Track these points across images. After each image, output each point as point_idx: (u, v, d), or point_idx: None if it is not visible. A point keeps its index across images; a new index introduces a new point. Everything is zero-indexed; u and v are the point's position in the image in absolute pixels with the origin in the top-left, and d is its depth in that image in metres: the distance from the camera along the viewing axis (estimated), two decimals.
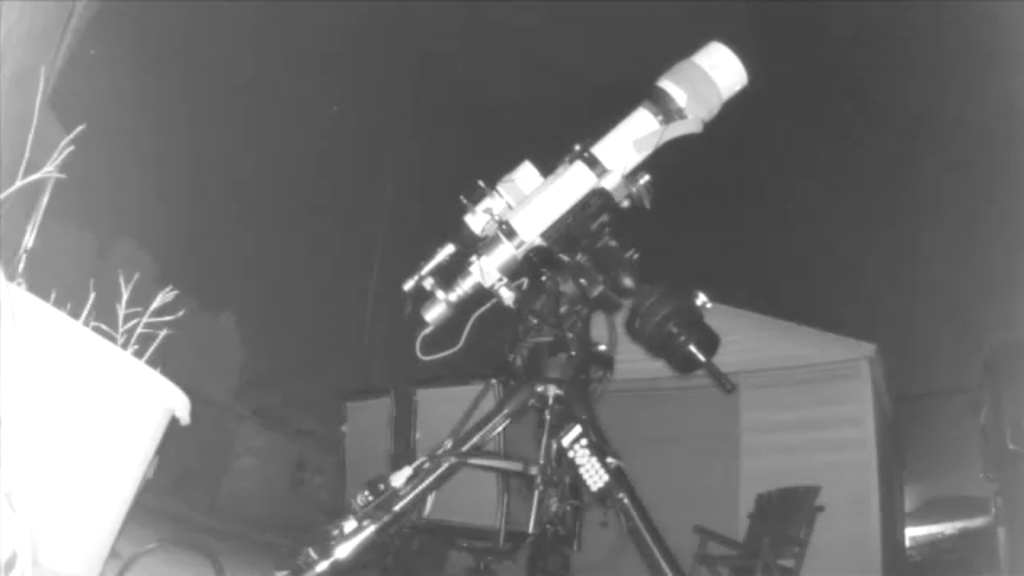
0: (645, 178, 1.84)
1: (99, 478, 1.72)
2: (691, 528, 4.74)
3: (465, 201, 1.91)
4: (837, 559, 4.93)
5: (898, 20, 9.87)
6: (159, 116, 7.06)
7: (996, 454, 4.92)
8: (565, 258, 1.77)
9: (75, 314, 1.79)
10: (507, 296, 1.83)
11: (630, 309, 1.64)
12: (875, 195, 11.19)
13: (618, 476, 1.62)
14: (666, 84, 1.85)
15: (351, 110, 9.91)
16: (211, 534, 5.36)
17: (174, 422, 1.90)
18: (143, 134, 6.73)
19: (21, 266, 1.92)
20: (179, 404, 1.88)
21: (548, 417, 1.70)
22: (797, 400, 5.79)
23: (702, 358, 1.57)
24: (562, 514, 1.69)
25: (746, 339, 5.67)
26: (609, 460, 1.62)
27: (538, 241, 1.84)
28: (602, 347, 1.81)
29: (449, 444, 1.67)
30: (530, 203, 1.86)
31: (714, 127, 1.90)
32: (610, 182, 1.81)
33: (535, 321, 1.78)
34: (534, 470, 1.66)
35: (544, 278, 1.80)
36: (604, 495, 1.61)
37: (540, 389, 1.72)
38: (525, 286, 1.84)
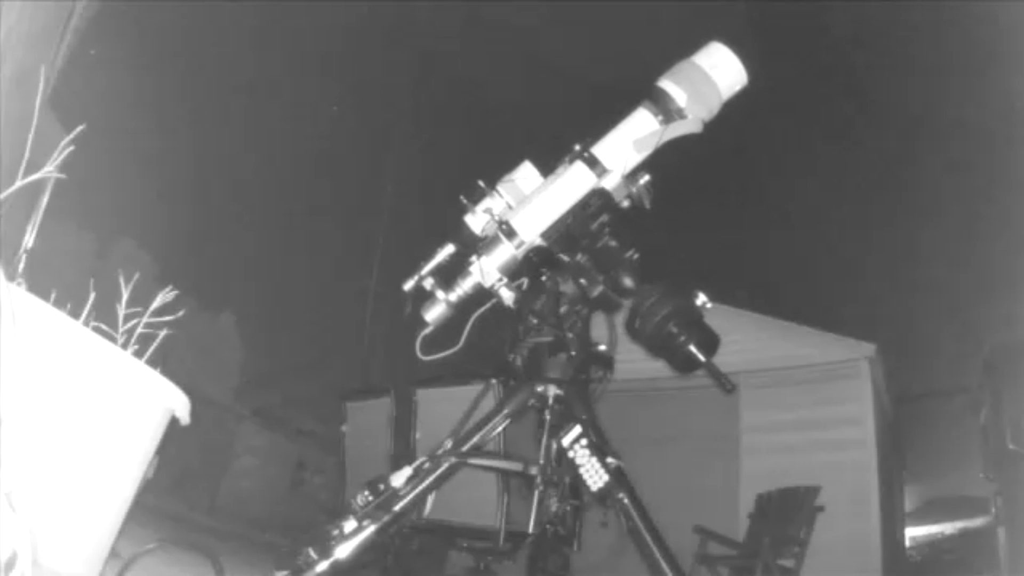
0: (645, 178, 1.84)
1: (99, 478, 1.72)
2: (691, 528, 4.74)
3: (465, 201, 1.91)
4: (837, 559, 4.92)
5: (898, 20, 9.87)
6: (159, 116, 7.06)
7: (996, 454, 4.92)
8: (565, 258, 1.77)
9: (75, 314, 1.79)
10: (507, 296, 1.83)
11: (630, 309, 1.64)
12: (875, 195, 11.19)
13: (618, 476, 1.62)
14: (666, 84, 1.85)
15: (351, 110, 9.91)
16: (211, 534, 5.36)
17: (174, 422, 1.90)
18: (143, 134, 6.73)
19: (21, 266, 1.92)
20: (179, 404, 1.88)
21: (548, 417, 1.70)
22: (797, 400, 5.80)
23: (702, 358, 1.57)
24: (562, 514, 1.69)
25: (746, 339, 5.66)
26: (609, 460, 1.62)
27: (538, 241, 1.84)
28: (602, 347, 1.81)
29: (449, 444, 1.67)
30: (530, 203, 1.86)
31: (714, 127, 1.90)
32: (610, 182, 1.81)
33: (535, 321, 1.78)
34: (534, 470, 1.66)
35: (544, 278, 1.80)
36: (604, 495, 1.61)
37: (540, 389, 1.72)
38: (525, 286, 1.84)
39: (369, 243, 10.38)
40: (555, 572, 1.72)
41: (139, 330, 1.93)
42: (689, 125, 1.84)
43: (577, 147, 1.87)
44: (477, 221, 1.89)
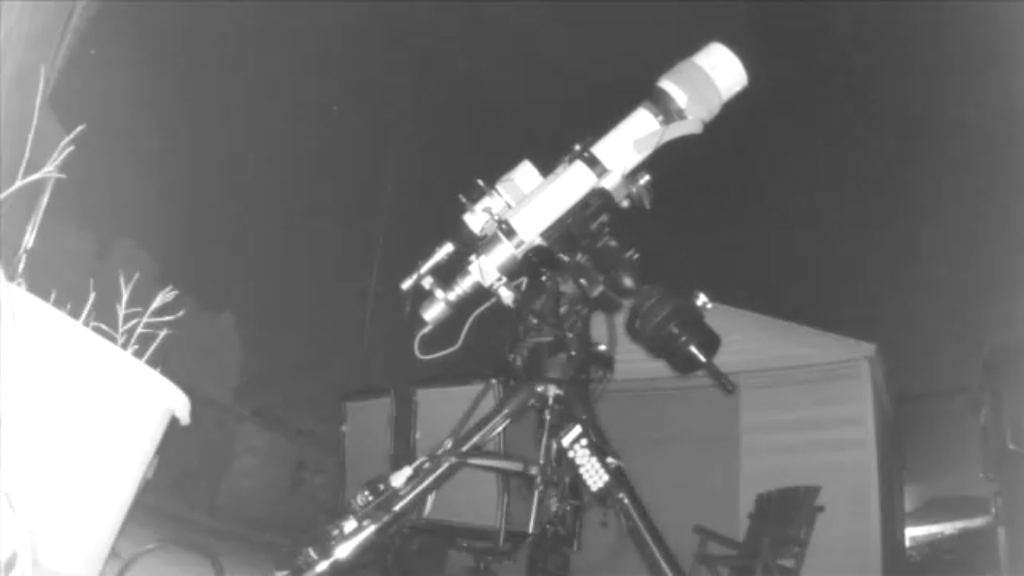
0: (645, 178, 1.84)
1: (99, 478, 1.72)
2: (691, 528, 4.74)
3: (464, 200, 1.91)
4: (837, 559, 4.93)
5: (898, 20, 9.87)
6: (159, 116, 7.05)
7: (996, 454, 4.92)
8: (565, 258, 1.77)
9: (75, 314, 1.79)
10: (506, 296, 1.82)
11: (630, 309, 1.63)
12: (875, 195, 11.19)
13: (618, 476, 1.62)
14: (666, 84, 1.85)
15: (351, 110, 9.91)
16: (211, 534, 5.36)
17: (174, 422, 1.90)
18: (143, 134, 6.73)
19: (21, 266, 1.92)
20: (179, 404, 1.88)
21: (548, 417, 1.70)
22: (797, 400, 5.79)
23: (703, 359, 1.57)
24: (562, 514, 1.69)
25: (746, 339, 5.66)
26: (609, 460, 1.62)
27: (538, 241, 1.84)
28: (602, 347, 1.81)
29: (449, 444, 1.67)
30: (530, 202, 1.86)
31: (714, 127, 1.90)
32: (610, 182, 1.81)
33: (535, 321, 1.78)
34: (534, 470, 1.66)
35: (544, 278, 1.80)
36: (604, 495, 1.61)
37: (540, 389, 1.72)
38: (524, 286, 1.84)
39: (369, 243, 10.38)
40: (555, 572, 1.72)
41: (139, 330, 1.93)
42: (689, 125, 1.84)
43: (577, 147, 1.87)
44: (476, 220, 1.89)
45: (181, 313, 2.04)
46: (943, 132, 9.95)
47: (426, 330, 1.84)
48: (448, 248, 1.89)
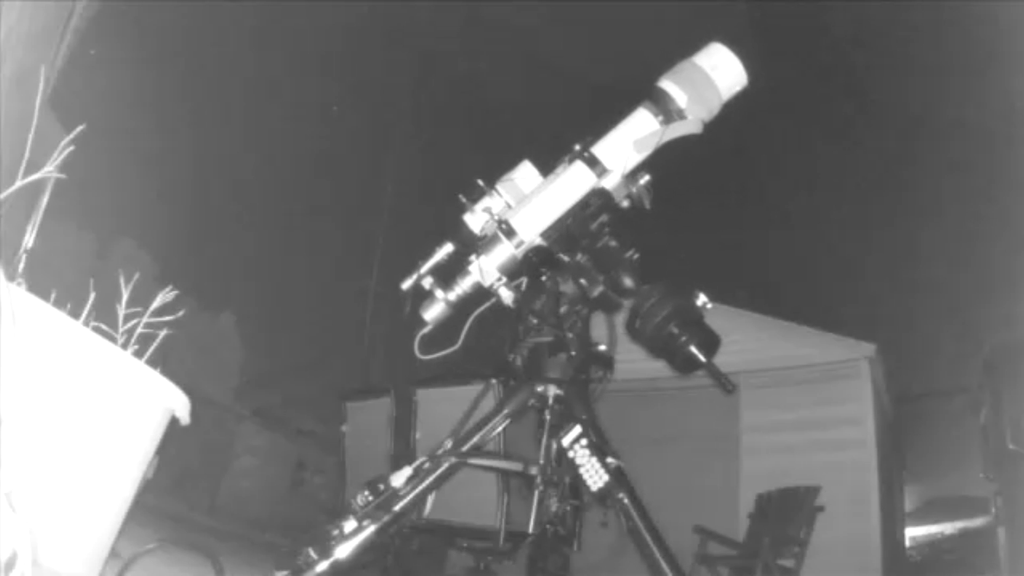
0: (645, 178, 1.84)
1: (99, 478, 1.72)
2: (691, 528, 4.74)
3: (464, 200, 1.91)
4: (837, 559, 4.93)
5: (898, 20, 9.87)
6: (159, 116, 7.05)
7: (996, 454, 4.92)
8: (565, 258, 1.77)
9: (75, 314, 1.79)
10: (506, 296, 1.82)
11: (630, 310, 1.63)
12: (875, 195, 11.19)
13: (618, 476, 1.62)
14: (667, 84, 1.85)
15: (351, 110, 9.91)
16: (211, 534, 5.36)
17: (174, 422, 1.90)
18: (143, 134, 6.73)
19: (21, 266, 1.92)
20: (179, 404, 1.88)
21: (548, 417, 1.70)
22: (797, 400, 5.79)
23: (703, 359, 1.57)
24: (562, 514, 1.69)
25: (746, 339, 5.66)
26: (609, 460, 1.62)
27: (538, 241, 1.84)
28: (602, 347, 1.81)
29: (449, 444, 1.67)
30: (530, 202, 1.86)
31: (714, 127, 1.90)
32: (610, 182, 1.81)
33: (535, 321, 1.78)
34: (534, 470, 1.66)
35: (544, 278, 1.80)
36: (604, 495, 1.61)
37: (540, 389, 1.72)
38: (524, 286, 1.84)
39: (369, 243, 10.38)
40: (555, 572, 1.72)
41: (139, 330, 1.93)
42: (689, 125, 1.84)
43: (577, 147, 1.87)
44: (476, 220, 1.89)
45: (181, 313, 2.04)
46: (943, 132, 9.95)
47: (426, 330, 1.84)
48: (448, 248, 1.89)
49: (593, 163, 1.83)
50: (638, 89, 1.91)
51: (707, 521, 4.89)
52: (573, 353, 1.74)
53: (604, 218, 1.76)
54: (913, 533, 7.91)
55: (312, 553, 1.48)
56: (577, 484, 1.66)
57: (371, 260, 10.22)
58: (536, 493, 1.66)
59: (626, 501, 1.60)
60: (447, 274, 1.86)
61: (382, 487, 1.61)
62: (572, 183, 1.84)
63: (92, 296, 1.86)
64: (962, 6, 8.17)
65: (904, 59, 10.23)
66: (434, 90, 11.26)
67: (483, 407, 1.84)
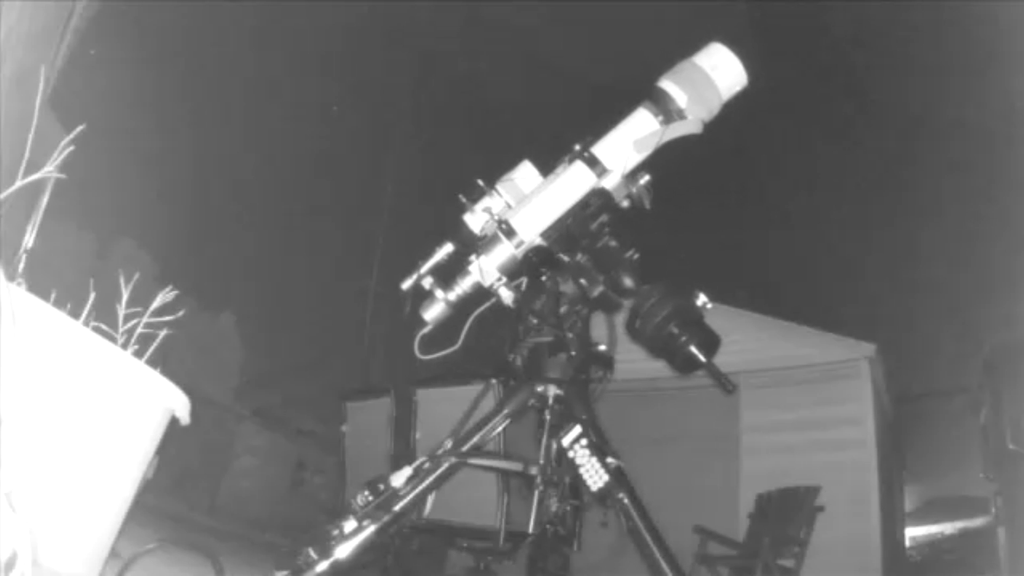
0: (645, 178, 1.84)
1: (99, 478, 1.72)
2: (691, 528, 4.74)
3: (464, 200, 1.91)
4: (837, 559, 4.93)
5: (898, 20, 9.87)
6: (159, 116, 7.05)
7: (996, 454, 4.92)
8: (565, 258, 1.77)
9: (75, 314, 1.79)
10: (506, 296, 1.82)
11: (630, 310, 1.63)
12: (875, 195, 11.19)
13: (618, 476, 1.62)
14: (667, 84, 1.85)
15: (351, 110, 9.91)
16: (211, 534, 5.36)
17: (174, 422, 1.90)
18: (143, 134, 6.73)
19: (21, 266, 1.92)
20: (179, 404, 1.88)
21: (548, 417, 1.70)
22: (797, 400, 5.79)
23: (703, 359, 1.57)
24: (562, 514, 1.69)
25: (746, 339, 5.66)
26: (609, 460, 1.62)
27: (538, 241, 1.84)
28: (602, 347, 1.81)
29: (449, 444, 1.67)
30: (530, 202, 1.86)
31: (714, 127, 1.90)
32: (610, 182, 1.81)
33: (535, 321, 1.78)
34: (534, 470, 1.66)
35: (544, 278, 1.80)
36: (604, 495, 1.61)
37: (540, 389, 1.72)
38: (524, 286, 1.84)
39: (369, 243, 10.38)
40: (555, 572, 1.72)
41: (139, 330, 1.93)
42: (689, 126, 1.84)
43: (577, 147, 1.87)
44: (476, 220, 1.89)
45: (181, 313, 2.04)
46: (943, 132, 9.95)
47: (426, 330, 1.84)
48: (448, 248, 1.89)
49: (593, 163, 1.83)
50: (638, 89, 1.91)
51: (707, 521, 4.89)
52: (573, 353, 1.74)
53: (604, 218, 1.76)
54: (913, 533, 7.91)
55: (312, 553, 1.48)
56: (577, 484, 1.66)
57: (371, 260, 10.22)
58: (536, 493, 1.66)
59: (626, 501, 1.60)
60: (447, 274, 1.86)
61: (382, 487, 1.61)
62: (572, 183, 1.84)
63: (92, 296, 1.86)
64: (962, 6, 8.17)
65: (904, 59, 10.23)
66: (434, 90, 11.26)
67: (483, 407, 1.84)
